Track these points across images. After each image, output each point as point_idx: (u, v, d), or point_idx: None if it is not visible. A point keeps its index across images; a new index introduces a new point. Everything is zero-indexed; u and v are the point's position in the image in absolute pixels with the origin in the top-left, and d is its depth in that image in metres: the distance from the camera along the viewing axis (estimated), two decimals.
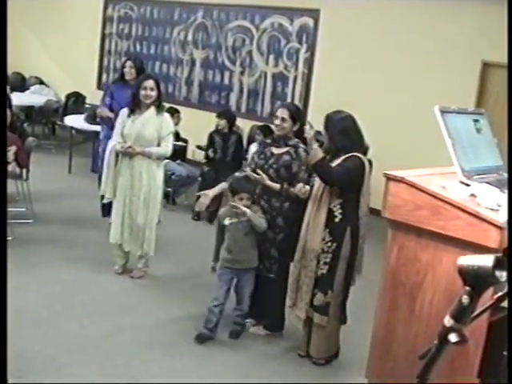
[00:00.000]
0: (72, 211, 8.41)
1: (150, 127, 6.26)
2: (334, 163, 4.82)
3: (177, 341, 5.29)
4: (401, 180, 4.00)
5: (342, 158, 4.82)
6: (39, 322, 5.31)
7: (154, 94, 6.25)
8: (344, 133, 4.88)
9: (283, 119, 5.32)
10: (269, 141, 5.56)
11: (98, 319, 5.49)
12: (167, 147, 6.31)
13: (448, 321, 2.11)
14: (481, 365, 3.78)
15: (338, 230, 4.84)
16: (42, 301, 5.73)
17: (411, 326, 4.02)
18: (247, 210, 5.18)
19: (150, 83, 6.27)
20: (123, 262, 6.60)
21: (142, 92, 6.22)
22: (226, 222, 5.37)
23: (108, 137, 6.94)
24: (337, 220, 4.83)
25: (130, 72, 7.45)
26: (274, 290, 5.51)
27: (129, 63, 7.53)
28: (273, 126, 5.51)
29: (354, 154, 4.82)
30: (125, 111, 6.40)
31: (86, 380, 4.51)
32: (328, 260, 4.86)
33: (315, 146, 4.78)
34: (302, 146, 5.40)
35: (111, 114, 7.30)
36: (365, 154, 5.10)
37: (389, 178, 4.09)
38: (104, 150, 6.82)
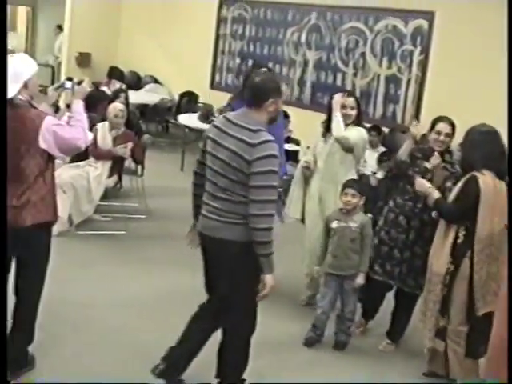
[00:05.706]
0: (185, 208, 8.50)
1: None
2: (458, 184, 4.61)
3: None
4: None
5: (465, 178, 4.54)
6: (147, 312, 5.48)
7: (353, 113, 5.70)
8: (475, 147, 4.54)
9: (447, 135, 5.07)
10: (418, 154, 5.20)
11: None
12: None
13: None
14: None
15: (458, 251, 4.56)
16: (151, 293, 5.90)
17: None
18: None
19: (349, 101, 5.72)
20: (310, 294, 6.04)
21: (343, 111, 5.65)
22: (334, 224, 5.26)
23: None
24: (459, 241, 4.57)
25: None
26: (400, 301, 5.37)
27: None
28: (432, 142, 5.11)
29: (476, 174, 4.46)
30: (320, 130, 5.87)
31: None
32: (446, 282, 4.59)
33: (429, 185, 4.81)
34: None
35: None
36: (502, 176, 4.55)
37: None
38: None
